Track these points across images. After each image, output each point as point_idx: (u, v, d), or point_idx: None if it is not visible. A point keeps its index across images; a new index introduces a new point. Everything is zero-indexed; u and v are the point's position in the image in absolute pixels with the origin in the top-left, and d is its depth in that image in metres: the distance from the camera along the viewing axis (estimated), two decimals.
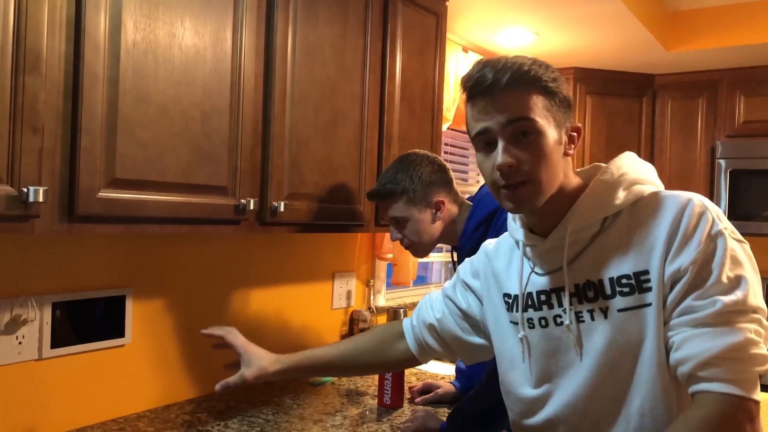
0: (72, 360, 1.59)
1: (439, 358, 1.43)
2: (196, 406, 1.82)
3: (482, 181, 2.06)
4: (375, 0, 1.98)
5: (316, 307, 2.35)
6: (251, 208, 1.56)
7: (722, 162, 3.38)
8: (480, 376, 1.54)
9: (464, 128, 1.14)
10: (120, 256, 1.69)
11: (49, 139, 1.17)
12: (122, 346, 1.70)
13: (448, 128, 2.92)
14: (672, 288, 0.97)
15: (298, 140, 1.72)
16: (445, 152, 3.11)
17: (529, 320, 1.13)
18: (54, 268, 1.55)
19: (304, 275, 2.29)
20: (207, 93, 1.45)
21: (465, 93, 1.05)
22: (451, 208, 1.76)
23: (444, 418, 1.61)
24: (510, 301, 1.17)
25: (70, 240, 1.58)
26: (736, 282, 0.95)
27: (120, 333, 1.68)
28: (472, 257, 1.33)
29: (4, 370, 1.46)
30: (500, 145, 1.01)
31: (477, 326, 1.30)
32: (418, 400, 1.91)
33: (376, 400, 1.90)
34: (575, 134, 1.08)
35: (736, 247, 0.98)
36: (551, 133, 1.02)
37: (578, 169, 1.14)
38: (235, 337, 1.43)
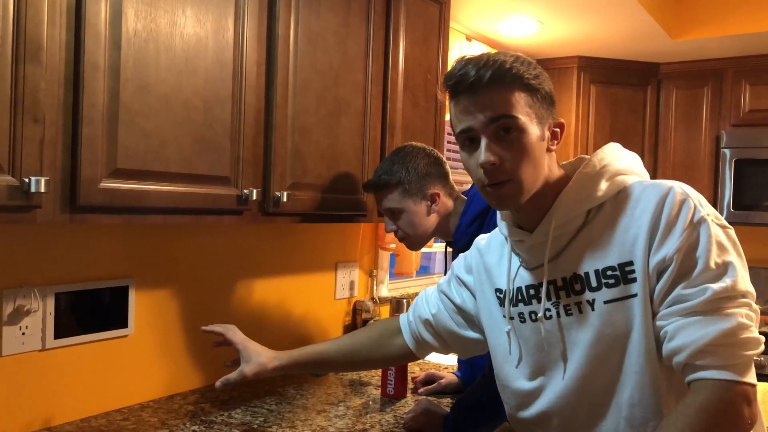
0: (75, 350, 1.59)
1: (429, 351, 1.44)
2: (199, 396, 1.82)
3: None
4: None
5: (318, 298, 2.35)
6: (254, 198, 1.56)
7: (727, 151, 3.36)
8: (483, 367, 1.54)
9: None
10: (123, 246, 1.69)
11: (50, 129, 1.16)
12: (125, 336, 1.70)
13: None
14: (659, 278, 0.98)
15: (300, 129, 1.71)
16: (448, 142, 3.09)
17: (520, 314, 1.14)
18: (57, 259, 1.54)
19: (307, 265, 2.29)
20: (209, 82, 1.44)
21: (448, 91, 1.06)
22: (446, 202, 1.76)
23: (447, 409, 1.61)
24: (501, 296, 1.19)
25: (73, 230, 1.57)
26: (724, 268, 0.95)
27: (123, 323, 1.68)
28: (466, 253, 1.34)
29: (7, 360, 1.46)
30: (483, 143, 1.02)
31: (471, 321, 1.31)
32: (421, 390, 1.91)
33: (380, 391, 1.90)
34: (558, 130, 1.09)
35: (720, 232, 0.98)
36: (533, 130, 1.03)
37: (563, 162, 1.15)
38: (234, 333, 1.45)
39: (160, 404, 1.73)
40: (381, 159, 2.02)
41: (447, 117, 2.68)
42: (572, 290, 1.06)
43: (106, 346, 1.66)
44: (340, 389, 1.93)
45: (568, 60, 3.48)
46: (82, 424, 1.56)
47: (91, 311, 1.61)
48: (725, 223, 1.01)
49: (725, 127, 3.42)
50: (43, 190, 1.11)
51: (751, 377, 0.94)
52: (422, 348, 1.40)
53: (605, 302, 1.02)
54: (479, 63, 1.02)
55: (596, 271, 1.03)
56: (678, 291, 0.96)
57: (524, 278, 1.13)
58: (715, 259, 0.95)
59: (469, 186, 1.80)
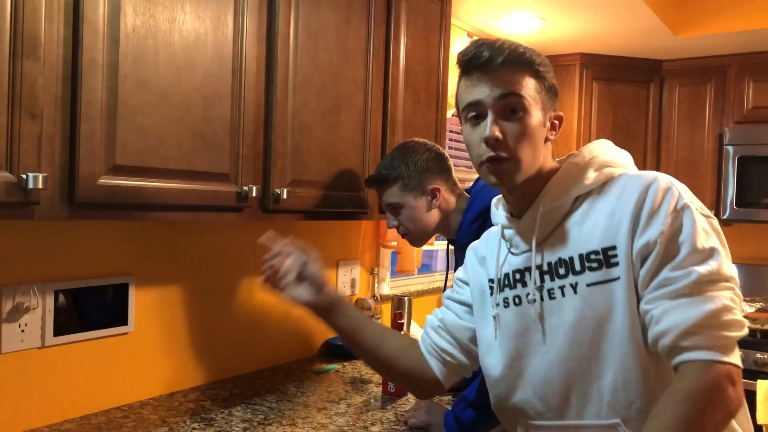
0: (75, 348, 1.59)
1: (454, 370, 1.32)
2: (200, 393, 1.82)
3: None
4: None
5: None
6: (254, 195, 1.55)
7: (730, 149, 3.34)
8: None
9: None
10: (122, 243, 1.68)
11: (48, 125, 1.16)
12: (126, 334, 1.69)
13: (453, 115, 2.89)
14: (643, 263, 1.00)
15: (300, 126, 1.70)
16: (450, 139, 3.08)
17: (505, 300, 1.16)
18: (57, 256, 1.54)
19: None
20: (208, 78, 1.44)
21: (460, 67, 1.10)
22: (448, 197, 1.75)
23: (448, 406, 1.60)
24: (492, 285, 1.20)
25: (73, 228, 1.57)
26: (710, 252, 0.98)
27: (123, 321, 1.68)
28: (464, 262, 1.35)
29: (7, 358, 1.46)
30: (489, 117, 1.05)
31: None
32: None
33: (381, 388, 1.89)
34: (557, 122, 1.13)
35: (703, 221, 1.01)
36: (537, 115, 1.07)
37: (557, 159, 1.18)
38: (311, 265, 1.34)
39: (160, 402, 1.73)
40: (382, 156, 2.01)
41: (449, 114, 2.68)
42: (557, 274, 1.08)
43: (105, 344, 1.65)
44: (341, 387, 1.92)
45: (570, 57, 3.46)
46: (82, 422, 1.56)
47: (91, 309, 1.60)
48: (708, 212, 1.04)
49: (728, 124, 3.40)
50: (41, 186, 1.11)
51: (735, 358, 0.95)
52: (435, 356, 1.31)
53: (587, 285, 1.04)
54: (494, 45, 1.06)
55: (580, 255, 1.06)
56: (665, 273, 0.98)
57: (512, 263, 1.16)
58: (702, 243, 0.98)
59: (472, 183, 1.78)
